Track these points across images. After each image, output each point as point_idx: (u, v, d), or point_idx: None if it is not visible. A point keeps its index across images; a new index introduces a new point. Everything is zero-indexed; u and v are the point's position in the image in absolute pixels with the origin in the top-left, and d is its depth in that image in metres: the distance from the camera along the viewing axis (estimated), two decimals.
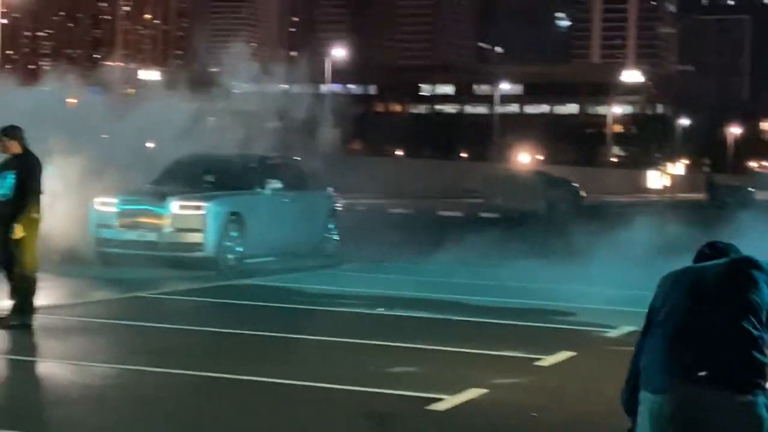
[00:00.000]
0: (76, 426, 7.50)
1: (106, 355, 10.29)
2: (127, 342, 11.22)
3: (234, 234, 17.88)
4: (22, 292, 11.37)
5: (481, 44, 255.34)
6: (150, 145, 22.26)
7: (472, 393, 8.75)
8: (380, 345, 11.01)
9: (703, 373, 4.26)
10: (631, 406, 4.53)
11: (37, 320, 11.51)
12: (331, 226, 20.99)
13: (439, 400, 8.47)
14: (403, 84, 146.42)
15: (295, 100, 21.95)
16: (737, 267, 4.57)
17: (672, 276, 4.66)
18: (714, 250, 4.77)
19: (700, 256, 4.78)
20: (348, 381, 9.14)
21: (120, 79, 24.32)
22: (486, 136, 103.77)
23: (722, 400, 4.24)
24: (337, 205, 21.91)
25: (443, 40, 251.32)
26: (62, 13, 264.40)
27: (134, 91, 25.90)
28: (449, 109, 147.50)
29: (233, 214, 17.94)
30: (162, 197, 17.70)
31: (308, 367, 9.85)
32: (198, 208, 17.53)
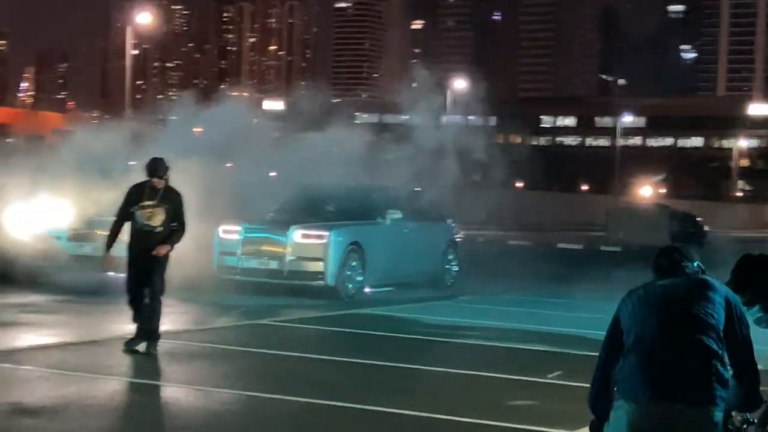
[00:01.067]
0: None
1: (228, 381, 10.41)
2: (248, 369, 11.33)
3: (354, 263, 17.98)
4: (149, 317, 11.61)
5: (603, 76, 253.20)
6: (273, 174, 22.53)
7: None
8: (499, 377, 10.93)
9: (677, 389, 4.83)
10: (595, 406, 5.15)
11: (161, 345, 11.70)
12: (450, 257, 20.96)
13: None
14: (525, 116, 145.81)
15: (417, 131, 21.99)
16: (697, 291, 5.07)
17: (635, 295, 5.18)
18: (671, 262, 5.22)
19: (660, 270, 5.24)
20: (467, 413, 9.08)
21: (245, 109, 24.68)
22: (608, 169, 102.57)
23: (689, 411, 4.82)
24: (457, 236, 21.87)
25: (565, 71, 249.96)
26: (190, 45, 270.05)
27: (258, 120, 26.25)
28: (570, 141, 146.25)
29: (354, 243, 18.05)
30: (284, 226, 17.91)
31: (427, 397, 9.82)
32: (319, 237, 17.70)
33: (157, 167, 11.74)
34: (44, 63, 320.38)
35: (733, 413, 5.07)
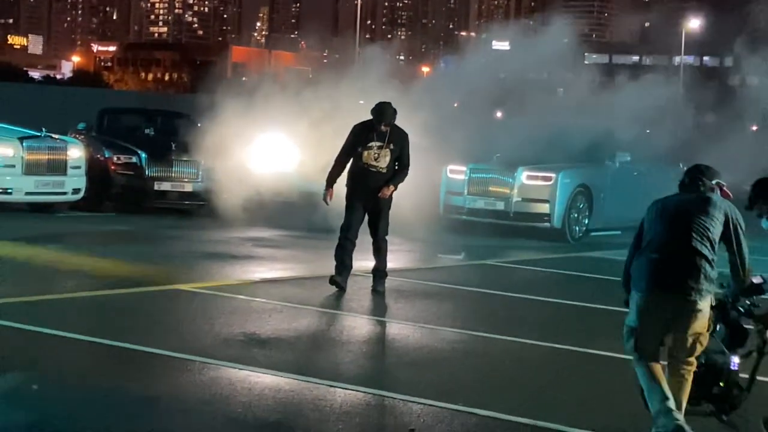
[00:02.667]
0: (424, 387, 7.70)
1: (453, 319, 10.51)
2: (473, 308, 11.41)
3: (581, 206, 17.78)
4: (377, 257, 11.80)
5: None
6: (499, 114, 22.45)
7: None
8: None
9: (672, 284, 6.41)
10: (624, 290, 6.76)
11: (389, 282, 11.90)
12: None
13: None
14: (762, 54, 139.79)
15: (649, 71, 21.44)
16: (701, 206, 6.56)
17: (656, 206, 6.78)
18: (691, 179, 6.78)
19: (681, 185, 6.83)
20: None
21: (473, 49, 24.60)
22: None
23: (679, 300, 6.41)
24: None
25: None
26: None
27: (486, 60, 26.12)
28: None
29: (581, 186, 17.84)
30: (511, 167, 17.85)
31: None
32: (547, 178, 17.57)
33: (383, 114, 11.63)
34: (277, 3, 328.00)
35: (741, 299, 6.73)
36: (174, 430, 6.56)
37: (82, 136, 19.24)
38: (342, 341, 9.36)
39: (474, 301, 11.85)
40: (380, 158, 11.61)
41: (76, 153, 17.45)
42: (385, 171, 11.64)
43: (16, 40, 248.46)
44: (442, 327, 10.06)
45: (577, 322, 10.85)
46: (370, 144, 11.60)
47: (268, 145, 18.91)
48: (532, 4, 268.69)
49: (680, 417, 6.35)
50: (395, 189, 11.75)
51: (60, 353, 8.23)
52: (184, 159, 18.78)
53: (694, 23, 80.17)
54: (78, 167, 17.42)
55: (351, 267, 11.76)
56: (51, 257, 13.03)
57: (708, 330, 6.53)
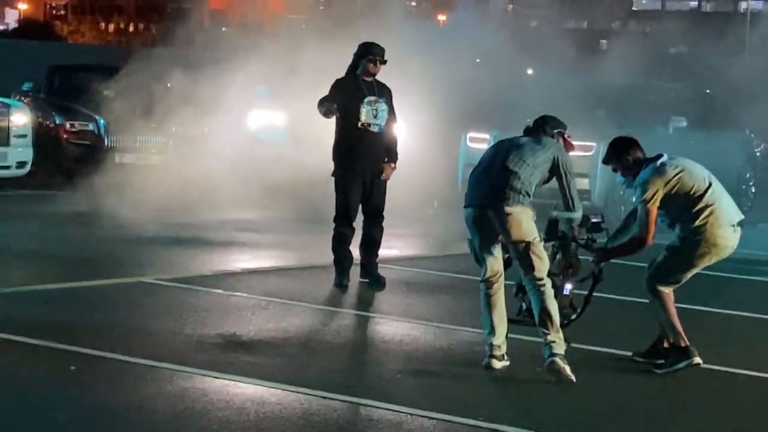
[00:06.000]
0: (436, 398, 7.70)
1: (472, 317, 10.45)
2: None
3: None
4: (376, 242, 11.75)
5: None
6: (530, 72, 22.39)
7: None
8: None
9: (484, 196, 8.63)
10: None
11: (396, 273, 11.90)
12: (748, 174, 20.37)
13: None
14: None
15: (707, 19, 21.38)
16: (527, 143, 8.75)
17: (497, 141, 9.23)
18: (535, 126, 8.98)
19: (525, 130, 8.99)
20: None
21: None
22: None
23: (494, 208, 8.52)
24: (757, 150, 21.23)
25: None
26: None
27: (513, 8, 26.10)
28: None
29: None
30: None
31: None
32: (586, 148, 17.35)
33: (377, 49, 11.53)
34: None
35: (573, 231, 8.88)
36: None
37: (29, 99, 19.24)
38: (339, 344, 9.35)
39: None
40: (378, 115, 11.45)
41: (21, 119, 17.46)
42: (384, 131, 11.51)
43: None
44: (459, 326, 10.04)
45: (614, 318, 10.81)
46: (366, 98, 11.42)
47: (252, 110, 18.90)
48: None
49: (498, 353, 8.54)
50: (395, 167, 11.68)
51: None
52: (152, 126, 18.75)
53: None
54: (23, 136, 17.42)
55: (352, 259, 11.72)
56: None
57: (536, 240, 8.49)
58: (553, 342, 8.32)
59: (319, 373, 8.25)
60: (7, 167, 17.32)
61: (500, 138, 17.92)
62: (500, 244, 8.73)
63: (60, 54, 32.46)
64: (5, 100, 17.78)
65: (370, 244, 11.68)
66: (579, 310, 9.07)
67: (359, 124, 11.39)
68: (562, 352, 8.32)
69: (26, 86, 20.17)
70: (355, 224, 11.69)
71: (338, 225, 11.60)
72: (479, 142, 18.21)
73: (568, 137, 9.07)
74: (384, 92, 11.60)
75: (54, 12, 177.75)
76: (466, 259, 13.92)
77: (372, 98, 11.43)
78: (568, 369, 8.25)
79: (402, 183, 12.12)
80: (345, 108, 11.37)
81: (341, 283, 11.55)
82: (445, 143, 18.49)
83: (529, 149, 8.66)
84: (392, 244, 13.31)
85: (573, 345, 8.75)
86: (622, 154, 8.99)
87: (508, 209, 8.46)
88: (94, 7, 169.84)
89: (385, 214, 11.76)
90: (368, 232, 11.69)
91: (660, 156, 9.01)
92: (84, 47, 63.68)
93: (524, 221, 8.49)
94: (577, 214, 8.83)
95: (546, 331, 8.36)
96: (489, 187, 8.60)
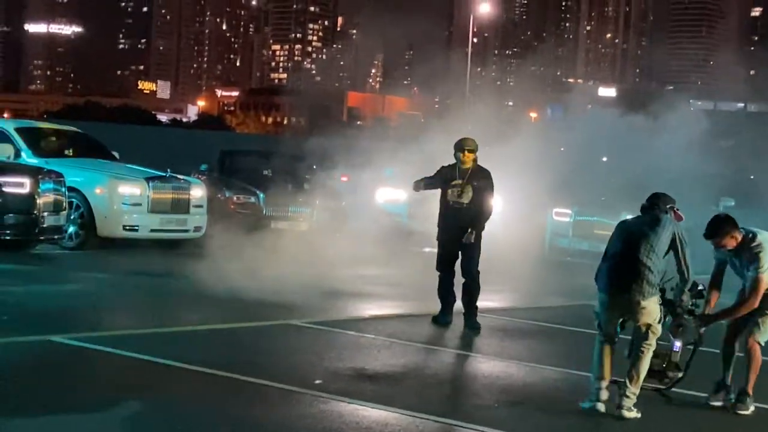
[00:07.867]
0: (531, 426, 7.62)
1: (556, 359, 10.37)
2: (577, 347, 11.23)
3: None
4: (472, 295, 11.78)
5: None
6: (605, 159, 22.19)
7: None
8: None
9: (619, 286, 8.12)
10: (596, 281, 8.39)
11: (494, 321, 11.81)
12: None
13: None
14: None
15: (753, 118, 21.04)
16: (651, 225, 8.21)
17: (620, 225, 8.53)
18: (650, 201, 8.45)
19: (642, 208, 8.42)
20: None
21: (581, 96, 24.47)
22: None
23: (630, 300, 8.09)
24: None
25: None
26: (528, 33, 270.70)
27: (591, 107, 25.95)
28: None
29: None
30: (615, 210, 17.60)
31: None
32: None
33: (464, 141, 11.90)
34: (390, 50, 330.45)
35: (683, 297, 8.30)
36: None
37: (204, 177, 19.56)
38: (446, 377, 9.32)
39: (578, 341, 11.66)
40: (463, 194, 11.78)
41: (198, 193, 17.73)
42: (469, 206, 11.74)
43: (146, 86, 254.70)
44: (546, 366, 9.94)
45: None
46: (453, 183, 11.83)
47: (380, 188, 18.98)
48: (638, 52, 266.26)
49: (603, 396, 8.22)
50: (475, 234, 11.77)
51: (173, 383, 8.32)
52: (300, 199, 18.95)
53: None
54: (200, 206, 17.69)
55: (454, 300, 11.82)
56: (175, 290, 13.22)
57: (658, 321, 8.19)
58: (628, 396, 8.12)
59: (430, 401, 8.22)
60: (186, 230, 17.60)
61: (581, 212, 17.96)
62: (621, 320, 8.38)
63: (229, 141, 33.05)
64: (187, 178, 18.10)
65: (467, 299, 11.84)
66: (684, 371, 8.73)
67: (447, 202, 11.89)
68: (631, 405, 8.11)
69: (203, 167, 20.52)
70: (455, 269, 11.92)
71: (439, 270, 12.04)
72: (562, 216, 18.12)
73: (677, 210, 8.57)
74: (475, 177, 11.86)
75: (225, 108, 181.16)
76: (552, 310, 13.91)
77: (459, 182, 11.81)
78: (631, 414, 8.10)
79: (499, 246, 12.08)
80: (442, 188, 11.97)
81: (444, 317, 11.78)
82: (534, 217, 18.38)
83: (654, 236, 8.14)
84: (490, 297, 13.25)
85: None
86: (725, 229, 8.50)
87: (643, 303, 8.08)
88: (257, 104, 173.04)
89: (483, 272, 11.90)
90: (465, 289, 11.87)
91: (752, 230, 8.58)
92: (248, 136, 64.77)
93: (653, 311, 8.16)
94: (690, 283, 8.33)
95: (628, 385, 8.16)
96: (625, 278, 8.10)
